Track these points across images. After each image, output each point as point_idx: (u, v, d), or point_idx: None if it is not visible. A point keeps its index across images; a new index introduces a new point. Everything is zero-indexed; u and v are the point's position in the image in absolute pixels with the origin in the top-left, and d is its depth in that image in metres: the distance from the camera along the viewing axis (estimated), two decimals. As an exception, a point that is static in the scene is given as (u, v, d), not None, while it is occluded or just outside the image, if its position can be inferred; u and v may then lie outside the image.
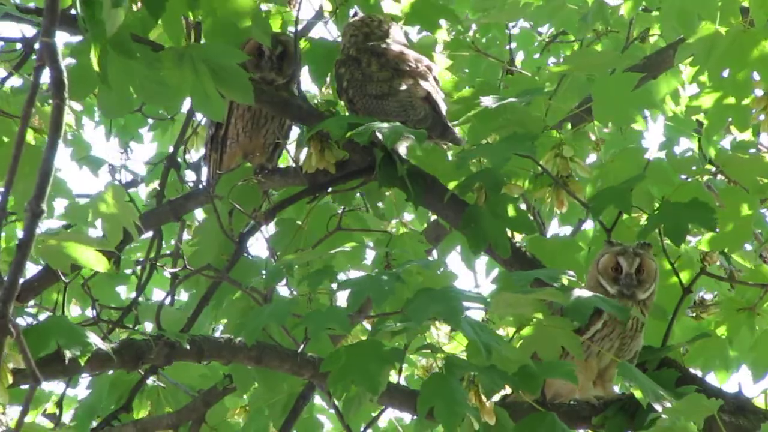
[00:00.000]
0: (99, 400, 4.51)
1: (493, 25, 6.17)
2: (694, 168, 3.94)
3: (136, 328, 4.23)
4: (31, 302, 4.26)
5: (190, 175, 5.35)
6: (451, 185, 3.95)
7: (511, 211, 3.85)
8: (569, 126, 4.07)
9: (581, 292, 3.37)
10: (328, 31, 4.49)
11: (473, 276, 7.14)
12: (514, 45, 6.29)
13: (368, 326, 4.85)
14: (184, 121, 5.29)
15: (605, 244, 3.69)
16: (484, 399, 3.24)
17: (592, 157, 4.84)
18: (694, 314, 4.47)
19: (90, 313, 4.98)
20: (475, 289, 5.46)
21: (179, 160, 5.29)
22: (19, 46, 4.93)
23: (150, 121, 6.29)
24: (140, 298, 4.63)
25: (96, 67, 3.32)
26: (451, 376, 3.15)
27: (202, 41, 3.91)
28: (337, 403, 3.97)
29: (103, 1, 3.17)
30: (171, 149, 5.39)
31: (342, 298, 3.93)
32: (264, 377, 3.92)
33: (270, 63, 4.15)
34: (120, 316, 4.31)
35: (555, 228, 5.86)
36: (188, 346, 3.53)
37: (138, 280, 4.59)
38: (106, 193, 3.74)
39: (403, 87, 4.02)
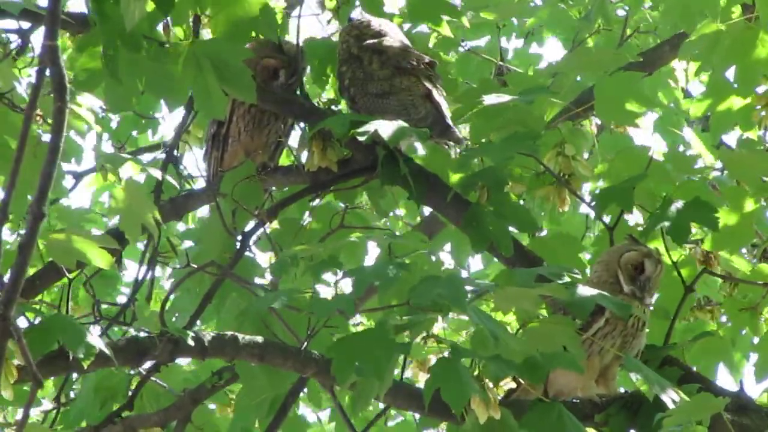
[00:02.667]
0: (86, 403, 4.53)
1: (483, 25, 6.16)
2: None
3: (132, 325, 4.22)
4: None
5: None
6: (454, 184, 3.96)
7: (513, 210, 3.85)
8: (571, 124, 4.08)
9: (584, 289, 3.37)
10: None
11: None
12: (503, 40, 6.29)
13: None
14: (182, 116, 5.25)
15: (629, 240, 3.69)
16: (489, 393, 3.25)
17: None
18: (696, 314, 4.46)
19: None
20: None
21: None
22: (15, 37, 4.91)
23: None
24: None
25: (103, 61, 3.33)
26: (457, 361, 3.14)
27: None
28: (338, 398, 3.98)
29: None
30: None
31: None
32: (268, 374, 3.92)
33: (280, 87, 4.15)
34: (117, 312, 4.31)
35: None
36: (192, 343, 3.54)
37: (136, 278, 4.59)
38: (122, 188, 3.74)
39: (404, 85, 4.02)
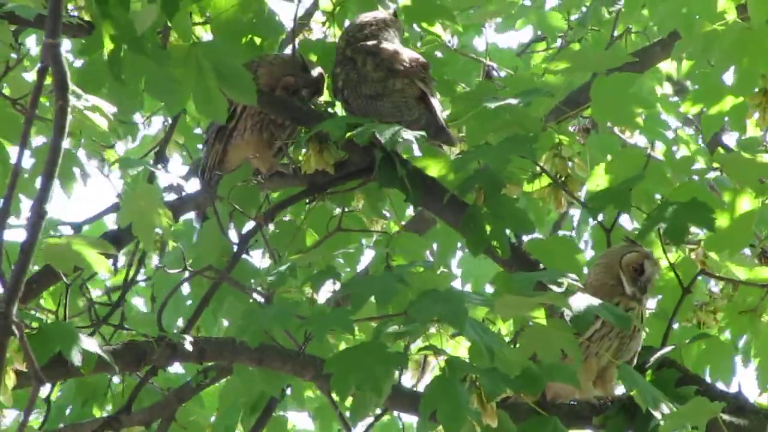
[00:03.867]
0: (67, 402, 4.53)
1: (470, 26, 6.16)
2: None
3: (123, 325, 4.23)
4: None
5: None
6: (451, 186, 3.95)
7: (510, 212, 3.85)
8: (566, 125, 4.08)
9: (583, 298, 3.36)
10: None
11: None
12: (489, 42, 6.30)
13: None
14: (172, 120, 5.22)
15: (627, 242, 3.70)
16: (486, 402, 3.25)
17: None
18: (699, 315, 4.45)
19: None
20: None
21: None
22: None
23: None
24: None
25: (107, 64, 3.34)
26: (454, 380, 3.14)
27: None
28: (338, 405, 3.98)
29: None
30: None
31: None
32: (265, 377, 3.92)
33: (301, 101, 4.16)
34: (107, 313, 4.31)
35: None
36: (190, 347, 3.54)
37: (125, 278, 4.59)
38: (137, 194, 3.74)
39: (398, 87, 4.03)
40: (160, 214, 3.72)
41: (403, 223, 4.83)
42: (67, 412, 4.53)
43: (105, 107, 3.38)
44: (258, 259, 4.33)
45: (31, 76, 4.54)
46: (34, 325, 3.30)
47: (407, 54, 4.10)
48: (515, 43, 6.55)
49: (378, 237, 4.25)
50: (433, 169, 4.02)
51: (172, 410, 4.32)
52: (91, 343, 3.31)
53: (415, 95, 4.02)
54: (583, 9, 5.96)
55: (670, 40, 4.75)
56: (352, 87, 4.06)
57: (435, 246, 4.77)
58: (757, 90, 4.23)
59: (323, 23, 4.52)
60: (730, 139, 5.82)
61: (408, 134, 3.76)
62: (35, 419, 4.78)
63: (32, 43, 5.60)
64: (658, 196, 3.95)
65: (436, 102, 4.03)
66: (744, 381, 5.88)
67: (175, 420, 4.36)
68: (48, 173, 2.31)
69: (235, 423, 4.53)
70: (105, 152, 5.82)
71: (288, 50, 4.23)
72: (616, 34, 5.87)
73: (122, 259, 5.31)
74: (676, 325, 3.98)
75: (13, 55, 3.86)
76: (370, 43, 4.10)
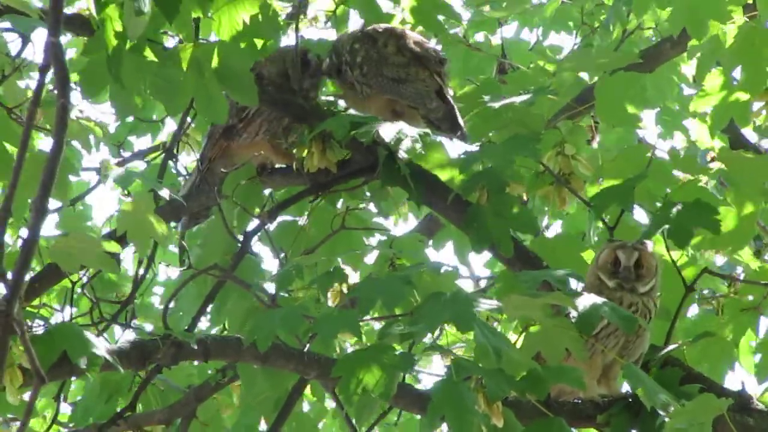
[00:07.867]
0: (91, 401, 4.54)
1: (485, 22, 6.17)
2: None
3: (134, 324, 4.23)
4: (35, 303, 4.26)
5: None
6: (455, 185, 3.96)
7: (513, 211, 3.85)
8: (571, 123, 4.08)
9: (590, 299, 3.36)
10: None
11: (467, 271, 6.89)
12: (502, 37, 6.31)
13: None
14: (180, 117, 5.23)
15: (605, 242, 3.70)
16: (492, 404, 3.25)
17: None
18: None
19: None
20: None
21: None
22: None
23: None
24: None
25: (108, 66, 3.34)
26: (460, 383, 3.13)
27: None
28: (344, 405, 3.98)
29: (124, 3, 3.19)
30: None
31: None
32: (269, 375, 3.93)
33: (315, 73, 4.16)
34: (116, 312, 4.32)
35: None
36: (195, 346, 3.54)
37: (134, 278, 4.60)
38: (132, 202, 3.75)
39: (420, 76, 4.06)
40: (154, 222, 3.72)
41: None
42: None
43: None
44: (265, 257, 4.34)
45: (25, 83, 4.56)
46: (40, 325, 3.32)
47: (430, 46, 4.15)
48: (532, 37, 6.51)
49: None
50: (437, 167, 4.02)
51: (192, 408, 4.34)
52: (97, 345, 3.31)
53: (434, 88, 4.05)
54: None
55: (679, 37, 4.75)
56: (372, 65, 4.09)
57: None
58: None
59: (325, 23, 4.52)
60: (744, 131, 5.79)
61: (411, 134, 3.77)
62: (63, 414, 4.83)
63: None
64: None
65: (450, 99, 4.06)
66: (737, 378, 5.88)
67: (196, 417, 4.38)
68: (50, 170, 2.31)
69: (255, 421, 4.54)
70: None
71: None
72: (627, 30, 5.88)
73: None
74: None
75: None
76: (396, 27, 4.15)
